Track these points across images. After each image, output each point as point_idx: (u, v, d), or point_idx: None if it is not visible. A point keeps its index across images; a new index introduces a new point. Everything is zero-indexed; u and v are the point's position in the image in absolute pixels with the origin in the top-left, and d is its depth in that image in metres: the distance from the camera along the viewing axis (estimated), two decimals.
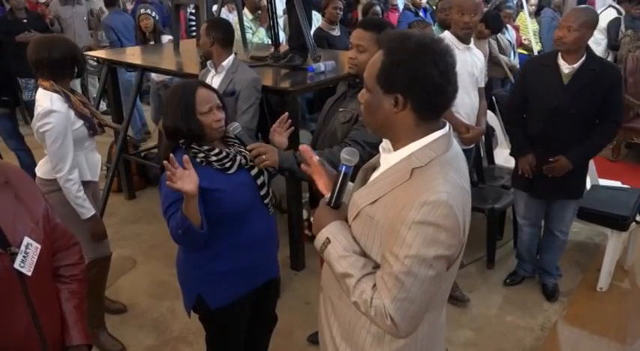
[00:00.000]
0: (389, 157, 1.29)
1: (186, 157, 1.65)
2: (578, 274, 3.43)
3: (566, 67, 2.73)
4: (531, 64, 3.04)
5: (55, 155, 2.32)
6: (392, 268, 1.18)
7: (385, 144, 1.33)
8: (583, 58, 2.69)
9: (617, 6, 6.05)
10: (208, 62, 3.03)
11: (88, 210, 2.43)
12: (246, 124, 2.90)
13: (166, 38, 5.08)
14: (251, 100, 2.92)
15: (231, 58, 2.98)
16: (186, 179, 1.62)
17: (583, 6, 3.30)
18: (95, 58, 4.58)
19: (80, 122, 2.38)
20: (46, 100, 2.30)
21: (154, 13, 5.05)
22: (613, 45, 6.01)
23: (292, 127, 2.11)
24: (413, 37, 1.21)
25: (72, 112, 2.35)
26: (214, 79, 2.98)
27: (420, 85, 1.18)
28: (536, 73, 2.86)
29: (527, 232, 3.20)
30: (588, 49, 2.72)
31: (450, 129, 1.28)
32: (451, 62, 1.20)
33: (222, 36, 2.92)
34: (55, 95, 2.32)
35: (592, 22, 2.66)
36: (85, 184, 2.48)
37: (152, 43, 4.97)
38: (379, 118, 1.26)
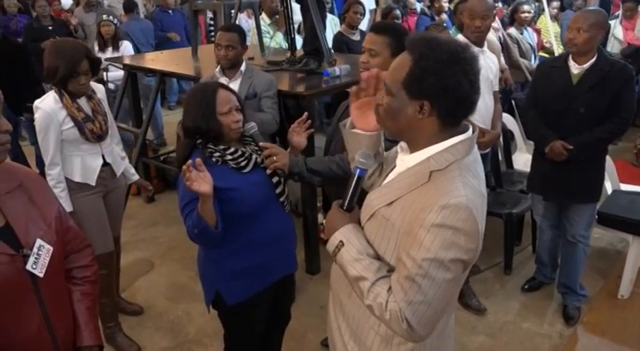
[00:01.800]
0: (406, 158, 1.29)
1: (198, 160, 1.69)
2: (599, 281, 3.36)
3: (575, 68, 2.71)
4: (543, 67, 3.03)
5: (40, 147, 2.49)
6: (408, 271, 1.17)
7: (403, 143, 1.33)
8: (593, 59, 2.68)
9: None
10: (217, 69, 3.06)
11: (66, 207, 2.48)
12: (275, 117, 3.05)
13: (123, 43, 5.16)
14: (275, 97, 3.08)
15: (244, 63, 3.03)
16: (201, 181, 1.66)
17: (593, 7, 3.25)
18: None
19: (71, 124, 2.48)
20: (42, 97, 2.48)
21: (115, 20, 5.20)
22: None
23: (312, 129, 2.12)
24: (443, 43, 1.19)
25: (64, 113, 2.46)
26: (229, 86, 3.01)
27: (449, 94, 1.17)
28: (546, 74, 2.86)
29: (548, 233, 3.14)
30: (599, 50, 2.70)
31: (473, 133, 1.27)
32: (478, 70, 1.21)
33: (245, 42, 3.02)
34: (52, 95, 2.47)
35: (601, 23, 2.65)
36: (82, 186, 2.56)
37: (110, 48, 5.07)
38: (401, 123, 1.25)
